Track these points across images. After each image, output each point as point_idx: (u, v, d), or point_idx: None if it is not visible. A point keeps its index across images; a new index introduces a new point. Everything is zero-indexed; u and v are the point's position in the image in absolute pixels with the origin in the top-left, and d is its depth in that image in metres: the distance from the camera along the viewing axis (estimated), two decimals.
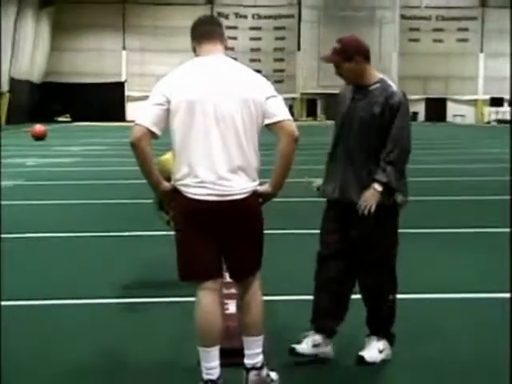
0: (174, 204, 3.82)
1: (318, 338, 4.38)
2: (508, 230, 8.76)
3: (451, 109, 56.78)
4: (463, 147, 25.62)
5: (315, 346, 4.36)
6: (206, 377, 3.75)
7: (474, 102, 56.64)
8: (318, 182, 4.46)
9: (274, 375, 3.96)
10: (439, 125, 49.03)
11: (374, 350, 4.36)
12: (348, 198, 4.26)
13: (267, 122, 3.74)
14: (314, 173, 5.71)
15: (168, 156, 4.52)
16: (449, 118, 56.30)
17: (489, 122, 54.00)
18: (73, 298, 5.84)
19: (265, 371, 3.89)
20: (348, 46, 4.23)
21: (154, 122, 3.65)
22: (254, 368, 3.85)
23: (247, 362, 3.87)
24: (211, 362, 3.75)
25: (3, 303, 5.61)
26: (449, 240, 8.44)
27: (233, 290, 4.73)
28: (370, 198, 4.17)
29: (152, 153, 3.71)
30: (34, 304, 5.77)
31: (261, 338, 3.89)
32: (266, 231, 3.90)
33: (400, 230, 4.45)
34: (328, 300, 4.38)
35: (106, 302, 5.81)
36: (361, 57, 4.23)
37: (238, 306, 4.07)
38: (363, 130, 4.22)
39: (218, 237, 3.75)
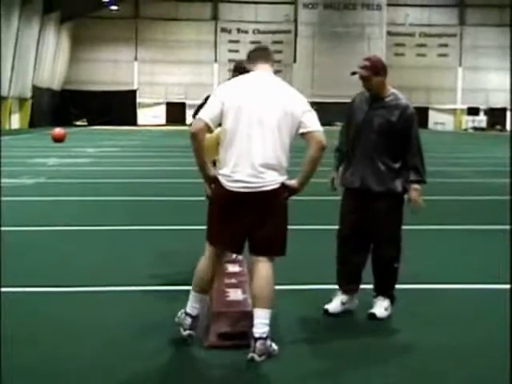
0: (213, 188, 4.26)
1: (344, 297, 4.98)
2: (485, 227, 8.78)
3: (432, 117, 56.79)
4: (443, 151, 25.61)
5: (343, 304, 4.97)
6: (188, 310, 4.33)
7: (453, 111, 56.68)
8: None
9: (274, 346, 4.18)
10: (421, 131, 48.69)
11: (382, 309, 4.91)
12: (367, 186, 4.79)
13: (301, 131, 4.15)
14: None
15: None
16: (430, 125, 56.26)
17: (466, 130, 54.03)
18: (110, 285, 5.85)
19: (269, 342, 4.11)
20: (376, 63, 4.81)
21: (211, 118, 4.11)
22: (260, 338, 4.07)
23: (255, 331, 4.09)
24: (195, 303, 4.32)
25: (29, 289, 5.64)
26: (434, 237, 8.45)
27: (233, 280, 4.77)
28: (417, 196, 4.82)
29: (204, 144, 4.14)
30: (71, 291, 5.70)
31: (267, 311, 4.14)
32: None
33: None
34: (349, 268, 4.96)
35: (126, 289, 5.78)
36: (384, 71, 4.82)
37: (253, 285, 4.22)
38: (382, 134, 4.75)
39: (247, 219, 4.13)
